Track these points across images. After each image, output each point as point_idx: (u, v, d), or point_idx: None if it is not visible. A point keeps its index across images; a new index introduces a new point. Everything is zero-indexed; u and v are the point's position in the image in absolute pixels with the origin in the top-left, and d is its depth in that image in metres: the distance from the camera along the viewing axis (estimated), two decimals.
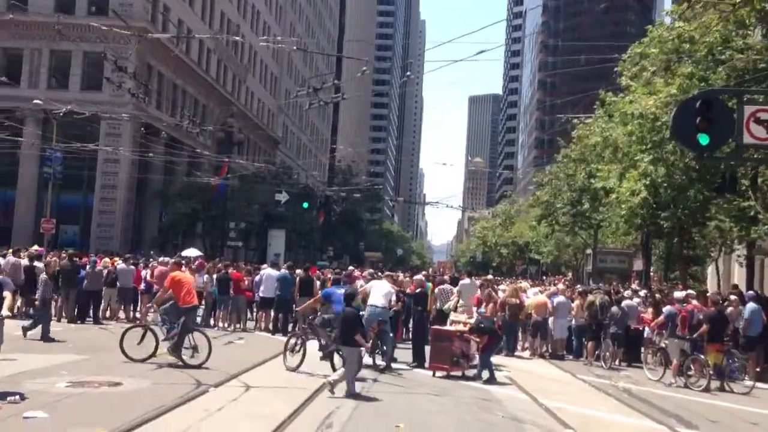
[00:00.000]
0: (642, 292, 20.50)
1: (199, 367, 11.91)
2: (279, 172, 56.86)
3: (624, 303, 17.00)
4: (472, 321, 13.83)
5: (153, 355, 12.32)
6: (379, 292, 13.81)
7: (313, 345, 12.89)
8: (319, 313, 13.12)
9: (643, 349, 16.49)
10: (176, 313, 12.47)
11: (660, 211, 23.23)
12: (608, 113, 26.13)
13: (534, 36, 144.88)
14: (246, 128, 61.10)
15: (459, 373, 12.93)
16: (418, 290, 15.54)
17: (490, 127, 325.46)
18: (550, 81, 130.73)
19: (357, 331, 10.73)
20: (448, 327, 13.39)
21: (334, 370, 11.99)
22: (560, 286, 19.07)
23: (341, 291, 13.02)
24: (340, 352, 12.08)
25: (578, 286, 27.29)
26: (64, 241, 42.80)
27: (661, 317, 15.03)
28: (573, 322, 17.59)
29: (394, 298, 13.99)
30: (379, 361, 13.32)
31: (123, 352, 12.28)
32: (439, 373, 12.75)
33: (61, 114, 32.68)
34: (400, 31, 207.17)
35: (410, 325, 16.79)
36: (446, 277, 21.42)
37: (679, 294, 18.96)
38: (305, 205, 45.50)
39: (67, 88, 43.59)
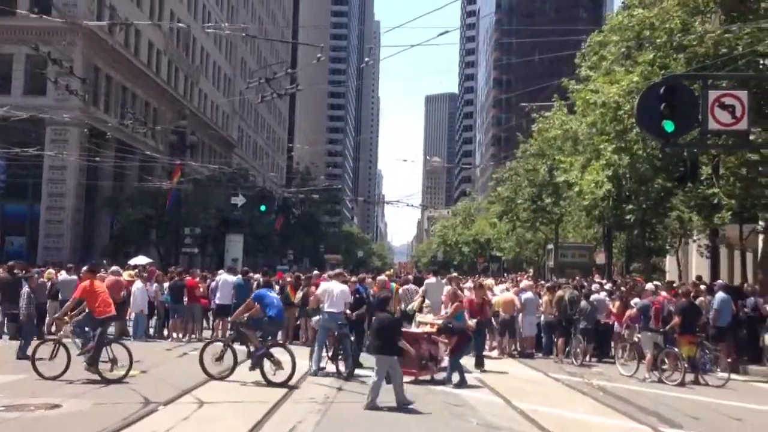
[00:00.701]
0: (607, 286, 20.16)
1: (119, 381, 11.07)
2: (235, 175, 55.54)
3: (592, 297, 16.57)
4: (440, 321, 13.20)
5: (65, 371, 11.38)
6: (331, 295, 13.12)
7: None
8: (245, 316, 12.17)
9: (613, 344, 16.08)
10: (92, 325, 11.55)
11: (623, 203, 23.01)
12: (568, 104, 25.84)
13: (488, 34, 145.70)
14: (200, 131, 59.67)
15: (427, 377, 12.27)
16: (382, 292, 14.77)
17: (447, 126, 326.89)
18: (506, 78, 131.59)
19: (396, 337, 10.28)
20: (414, 329, 12.69)
21: (265, 377, 11.40)
22: (526, 282, 18.55)
23: (274, 294, 12.53)
24: (272, 358, 11.43)
25: (541, 281, 27.00)
26: (11, 253, 40.97)
27: (634, 310, 14.61)
28: (542, 318, 17.11)
29: (349, 298, 13.27)
30: (342, 368, 12.63)
31: (35, 369, 11.35)
32: (406, 378, 12.00)
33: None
34: (354, 31, 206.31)
35: None
36: (410, 277, 20.83)
37: (650, 286, 18.70)
38: (263, 208, 44.24)
39: (9, 93, 41.72)
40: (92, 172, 43.22)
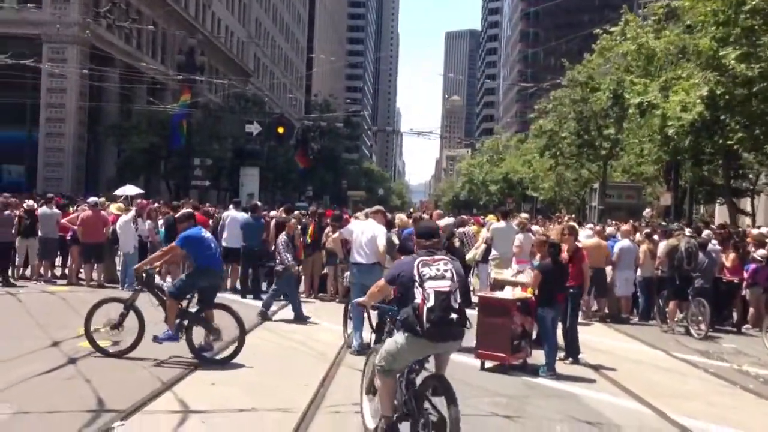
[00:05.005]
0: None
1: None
2: (248, 105, 51.34)
3: (708, 247, 12.71)
4: (524, 279, 9.43)
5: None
6: (361, 240, 9.26)
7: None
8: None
9: (752, 311, 12.26)
10: None
11: (716, 129, 18.90)
12: (647, 17, 21.49)
13: None
14: (213, 58, 55.43)
15: (519, 362, 8.54)
16: (449, 240, 10.91)
17: (467, 64, 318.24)
18: (534, 10, 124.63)
19: None
20: (498, 293, 8.86)
21: (193, 349, 7.90)
22: (624, 227, 14.64)
23: (209, 235, 8.70)
24: (208, 325, 8.02)
25: (587, 224, 23.05)
26: (8, 183, 37.82)
27: None
28: (639, 273, 13.31)
29: (381, 242, 9.10)
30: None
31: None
32: (490, 363, 8.39)
33: None
34: None
35: None
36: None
37: (756, 231, 15.03)
38: (281, 130, 40.00)
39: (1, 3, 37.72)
40: (95, 98, 39.52)
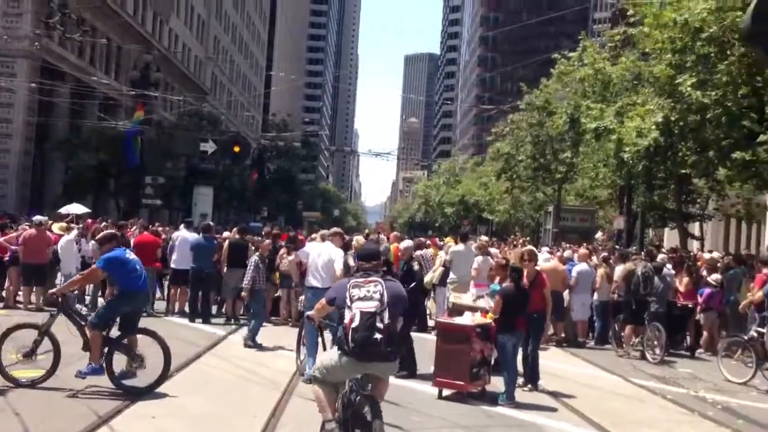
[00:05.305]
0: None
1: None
2: (203, 123, 50.49)
3: (664, 271, 12.71)
4: (482, 304, 9.25)
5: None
6: (317, 263, 8.95)
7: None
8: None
9: (723, 339, 12.13)
10: None
11: (669, 156, 19.16)
12: (604, 44, 21.82)
13: None
14: (169, 75, 54.57)
15: (477, 389, 8.28)
16: (408, 263, 10.70)
17: (425, 87, 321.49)
18: (492, 35, 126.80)
19: None
20: (458, 319, 8.58)
21: (113, 378, 7.39)
22: (581, 250, 14.60)
23: (134, 256, 8.04)
24: (130, 352, 7.50)
25: (543, 247, 23.13)
26: None
27: (760, 293, 10.76)
28: (595, 297, 13.26)
29: (339, 266, 8.73)
30: None
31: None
32: (447, 392, 8.12)
33: None
34: None
35: None
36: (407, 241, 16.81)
37: (707, 255, 15.19)
38: (236, 149, 39.36)
39: None
40: (44, 113, 38.41)
